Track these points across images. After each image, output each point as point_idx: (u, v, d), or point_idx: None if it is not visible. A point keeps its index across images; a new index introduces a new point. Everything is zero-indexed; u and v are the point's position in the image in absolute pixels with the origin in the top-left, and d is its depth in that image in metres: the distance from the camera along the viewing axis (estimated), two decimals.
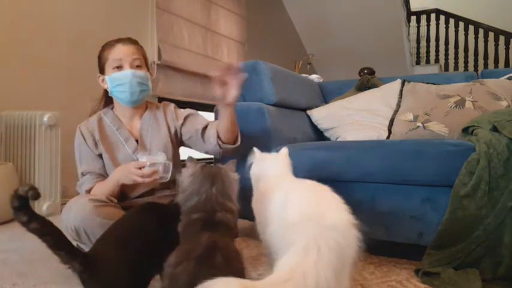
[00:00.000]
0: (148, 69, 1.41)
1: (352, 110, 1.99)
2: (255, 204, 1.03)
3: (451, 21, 5.38)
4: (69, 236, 1.20)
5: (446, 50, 5.41)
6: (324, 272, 0.68)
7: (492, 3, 6.07)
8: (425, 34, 5.53)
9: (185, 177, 0.92)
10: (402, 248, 1.41)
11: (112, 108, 1.44)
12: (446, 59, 5.41)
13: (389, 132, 1.81)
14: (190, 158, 0.98)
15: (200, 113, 1.54)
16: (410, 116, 1.74)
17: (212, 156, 1.61)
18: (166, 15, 3.47)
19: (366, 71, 2.81)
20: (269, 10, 4.98)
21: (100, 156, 1.36)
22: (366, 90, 2.17)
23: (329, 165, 1.42)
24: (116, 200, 1.27)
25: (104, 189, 1.28)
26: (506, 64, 4.97)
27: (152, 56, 3.30)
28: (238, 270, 0.74)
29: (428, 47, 5.50)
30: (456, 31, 5.32)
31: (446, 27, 5.40)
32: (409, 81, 1.98)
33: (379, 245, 1.45)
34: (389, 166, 1.32)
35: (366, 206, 1.38)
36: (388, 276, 1.24)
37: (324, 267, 0.69)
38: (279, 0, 4.74)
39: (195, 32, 3.82)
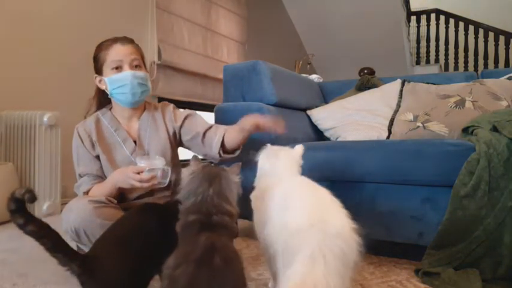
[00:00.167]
0: (146, 68, 1.40)
1: (352, 110, 1.99)
2: (255, 201, 1.03)
3: (451, 21, 5.38)
4: (69, 237, 1.20)
5: (446, 50, 5.41)
6: (333, 280, 0.71)
7: (492, 3, 6.07)
8: (425, 34, 5.53)
9: (186, 175, 0.91)
10: (402, 248, 1.41)
11: (110, 109, 1.42)
12: (446, 59, 5.41)
13: (389, 132, 1.81)
14: (194, 157, 0.97)
15: (200, 113, 1.54)
16: (410, 116, 1.74)
17: None
18: (166, 15, 3.47)
19: (366, 71, 2.81)
20: (269, 10, 4.98)
21: (97, 157, 1.34)
22: (366, 90, 2.17)
23: (329, 165, 1.42)
24: (115, 201, 1.27)
25: (101, 191, 1.27)
26: (506, 64, 4.97)
27: (152, 56, 3.30)
28: (237, 271, 0.74)
29: (428, 47, 5.50)
30: (456, 31, 5.32)
31: (446, 27, 5.40)
32: (409, 81, 1.99)
33: (379, 245, 1.46)
34: (389, 166, 1.32)
35: (366, 206, 1.38)
36: (388, 276, 1.24)
37: (332, 276, 0.71)
38: (279, 0, 4.74)
39: (195, 32, 3.82)
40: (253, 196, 1.04)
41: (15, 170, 2.16)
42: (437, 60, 5.43)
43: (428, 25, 5.54)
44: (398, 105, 1.91)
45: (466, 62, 5.33)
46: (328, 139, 2.03)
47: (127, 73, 1.30)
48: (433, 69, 5.29)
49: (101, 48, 1.34)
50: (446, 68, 5.41)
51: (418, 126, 1.67)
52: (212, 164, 1.06)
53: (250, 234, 1.71)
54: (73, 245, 1.25)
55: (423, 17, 5.61)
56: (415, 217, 1.29)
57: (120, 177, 1.22)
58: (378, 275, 1.25)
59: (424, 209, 1.28)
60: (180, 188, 0.90)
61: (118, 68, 1.31)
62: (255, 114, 1.26)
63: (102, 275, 0.82)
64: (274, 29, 5.03)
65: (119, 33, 1.38)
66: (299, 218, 0.81)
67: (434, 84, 1.90)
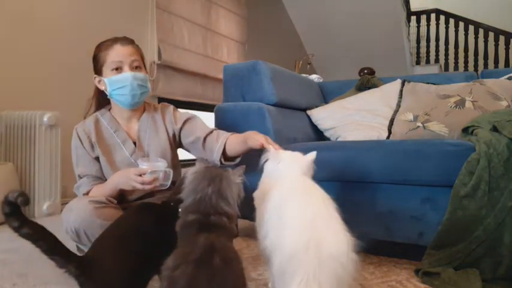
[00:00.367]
0: (146, 69, 1.40)
1: (352, 110, 1.99)
2: (256, 200, 1.03)
3: (451, 21, 5.38)
4: (70, 237, 1.20)
5: (446, 50, 5.41)
6: None
7: (492, 4, 6.07)
8: (425, 34, 5.53)
9: (188, 174, 0.92)
10: (402, 248, 1.41)
11: (109, 110, 1.41)
12: (446, 59, 5.41)
13: (389, 132, 1.81)
14: (201, 159, 0.97)
15: (200, 113, 1.54)
16: (410, 116, 1.74)
17: None
18: (166, 15, 3.47)
19: (366, 71, 2.80)
20: (269, 10, 4.98)
21: (97, 159, 1.34)
22: (366, 90, 2.17)
23: (329, 165, 1.42)
24: (115, 201, 1.27)
25: (102, 192, 1.27)
26: (506, 64, 4.97)
27: (152, 56, 3.30)
28: (237, 271, 0.74)
29: (428, 47, 5.50)
30: (456, 31, 5.32)
31: (446, 27, 5.40)
32: (409, 81, 1.99)
33: (379, 245, 1.46)
34: (389, 166, 1.32)
35: (366, 206, 1.38)
36: (388, 276, 1.24)
37: None
38: (279, 0, 4.74)
39: (195, 32, 3.82)
40: (255, 195, 1.04)
41: (15, 170, 2.16)
42: (437, 60, 5.43)
43: (428, 25, 5.54)
44: (398, 105, 1.91)
45: (466, 62, 5.33)
46: (328, 139, 2.03)
47: (127, 74, 1.30)
48: (433, 69, 5.29)
49: (101, 48, 1.33)
50: (446, 68, 5.41)
51: (418, 126, 1.67)
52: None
53: (251, 234, 1.71)
54: (72, 245, 1.26)
55: (423, 17, 5.61)
56: (415, 217, 1.29)
57: (122, 179, 1.22)
58: (378, 275, 1.25)
59: (424, 209, 1.28)
60: (183, 187, 0.91)
61: (118, 69, 1.30)
62: (262, 135, 1.22)
63: (100, 276, 0.81)
64: (274, 29, 5.03)
65: (119, 33, 1.38)
66: (294, 240, 0.79)
67: (434, 84, 1.90)
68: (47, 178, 2.19)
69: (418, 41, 5.63)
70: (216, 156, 1.37)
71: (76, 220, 1.16)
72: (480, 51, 5.20)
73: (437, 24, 5.48)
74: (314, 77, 2.78)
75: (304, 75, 2.65)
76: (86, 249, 1.15)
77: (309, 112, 2.09)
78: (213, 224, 0.82)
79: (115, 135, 1.36)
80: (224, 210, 0.85)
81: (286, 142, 1.69)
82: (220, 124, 1.68)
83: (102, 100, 1.43)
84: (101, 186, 1.30)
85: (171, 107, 1.49)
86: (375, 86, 2.17)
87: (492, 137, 1.21)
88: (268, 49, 4.87)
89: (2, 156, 2.27)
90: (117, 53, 1.30)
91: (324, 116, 2.03)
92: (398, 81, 2.03)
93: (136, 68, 1.33)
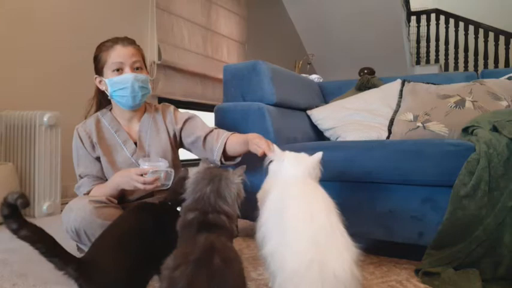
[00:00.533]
0: (147, 69, 1.40)
1: (352, 110, 1.99)
2: (259, 200, 1.02)
3: (451, 21, 5.38)
4: (70, 237, 1.20)
5: (446, 50, 5.41)
6: None
7: (492, 4, 6.07)
8: (425, 34, 5.53)
9: (191, 175, 0.93)
10: (402, 248, 1.41)
11: (110, 110, 1.41)
12: (446, 59, 5.42)
13: (389, 132, 1.81)
14: (205, 159, 0.98)
15: (200, 113, 1.54)
16: (410, 116, 1.74)
17: None
18: (166, 15, 3.47)
19: (366, 71, 2.81)
20: (269, 10, 4.98)
21: (98, 159, 1.34)
22: (366, 90, 2.17)
23: (329, 165, 1.41)
24: (116, 201, 1.27)
25: (102, 192, 1.27)
26: (506, 64, 4.97)
27: (152, 56, 3.30)
28: (237, 271, 0.74)
29: (428, 47, 5.50)
30: (456, 31, 5.32)
31: (446, 27, 5.40)
32: (409, 81, 1.99)
33: (379, 245, 1.46)
34: (389, 166, 1.32)
35: (366, 206, 1.38)
36: (388, 276, 1.24)
37: None
38: (279, 0, 4.74)
39: (195, 32, 3.82)
40: (258, 195, 1.04)
41: (15, 170, 2.16)
42: (437, 60, 5.44)
43: (428, 25, 5.54)
44: (398, 105, 1.91)
45: (466, 62, 5.33)
46: (328, 139, 2.03)
47: (128, 76, 1.29)
48: (433, 69, 5.29)
49: (102, 48, 1.33)
50: (446, 68, 5.42)
51: (418, 126, 1.67)
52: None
53: (251, 234, 1.71)
54: (73, 244, 1.26)
55: (423, 17, 5.61)
56: (415, 217, 1.29)
57: (123, 179, 1.22)
58: (377, 275, 1.25)
59: (424, 209, 1.28)
60: (185, 187, 0.91)
61: (119, 70, 1.30)
62: (264, 141, 1.19)
63: (99, 278, 0.81)
64: (274, 29, 5.03)
65: (119, 33, 1.38)
66: (296, 259, 0.77)
67: (434, 84, 1.90)
68: (47, 178, 2.19)
69: (418, 41, 5.64)
70: (216, 156, 1.37)
71: (76, 220, 1.16)
72: (480, 51, 5.20)
73: (437, 24, 5.48)
74: (314, 77, 2.77)
75: (304, 75, 2.65)
76: (86, 249, 1.15)
77: (309, 112, 2.09)
78: (212, 223, 0.82)
79: (116, 135, 1.36)
80: (223, 209, 0.85)
81: (286, 142, 1.69)
82: (220, 124, 1.68)
83: (103, 100, 1.43)
84: (101, 186, 1.30)
85: (172, 107, 1.48)
86: (374, 86, 2.17)
87: (492, 137, 1.21)
88: (268, 49, 4.87)
89: (2, 156, 2.27)
90: (118, 54, 1.30)
91: (324, 116, 2.03)
92: (398, 81, 2.03)
93: (138, 69, 1.33)
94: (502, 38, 5.02)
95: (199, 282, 0.67)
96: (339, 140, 1.93)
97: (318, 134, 2.07)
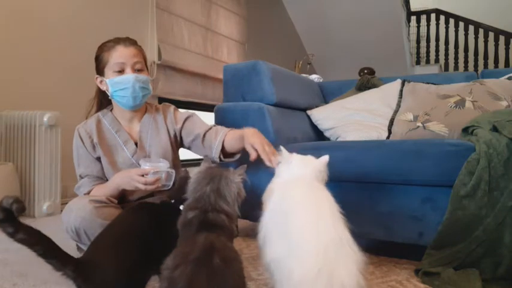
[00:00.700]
0: (148, 70, 1.40)
1: (352, 110, 1.99)
2: (264, 201, 1.02)
3: (451, 21, 5.38)
4: (70, 236, 1.20)
5: (446, 50, 5.41)
6: None
7: (492, 3, 6.07)
8: (425, 34, 5.53)
9: (193, 174, 0.93)
10: (402, 248, 1.41)
11: (111, 110, 1.41)
12: (446, 59, 5.42)
13: (389, 132, 1.81)
14: (206, 158, 0.98)
15: (200, 113, 1.54)
16: (410, 116, 1.74)
17: None
18: (166, 15, 3.47)
19: (366, 71, 2.81)
20: (269, 10, 4.98)
21: (98, 159, 1.34)
22: (366, 90, 2.17)
23: (329, 165, 1.41)
24: (116, 201, 1.27)
25: (103, 192, 1.27)
26: (506, 64, 4.97)
27: (152, 56, 3.30)
28: (237, 271, 0.74)
29: (428, 47, 5.50)
30: (456, 31, 5.32)
31: (446, 27, 5.40)
32: (409, 81, 1.99)
33: (379, 245, 1.46)
34: (389, 166, 1.32)
35: (366, 206, 1.38)
36: (388, 276, 1.24)
37: None
38: (279, 0, 4.74)
39: (195, 32, 3.82)
40: (263, 197, 1.02)
41: (15, 170, 2.16)
42: (437, 60, 5.44)
43: (428, 25, 5.54)
44: (398, 105, 1.91)
45: (466, 62, 5.33)
46: (328, 139, 2.03)
47: (129, 76, 1.29)
48: (433, 69, 5.29)
49: (104, 49, 1.33)
50: (446, 68, 5.42)
51: (418, 126, 1.67)
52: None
53: (250, 234, 1.71)
54: (73, 244, 1.26)
55: (423, 17, 5.61)
56: (415, 217, 1.29)
57: (124, 179, 1.22)
58: (378, 275, 1.25)
59: (424, 209, 1.28)
60: (187, 186, 0.92)
61: (120, 71, 1.30)
62: (259, 139, 1.17)
63: (97, 278, 0.81)
64: (274, 29, 5.03)
65: (119, 33, 1.38)
66: (304, 267, 0.76)
67: (434, 84, 1.90)
68: (47, 178, 2.19)
69: (418, 41, 5.64)
70: (214, 154, 1.37)
71: (76, 220, 1.16)
72: (480, 51, 5.20)
73: (437, 24, 5.48)
74: (314, 77, 2.77)
75: (304, 75, 2.65)
76: (86, 249, 1.15)
77: (309, 112, 2.09)
78: (212, 222, 0.82)
79: (117, 135, 1.36)
80: (222, 208, 0.85)
81: (286, 142, 1.69)
82: (220, 124, 1.68)
83: (103, 100, 1.43)
84: (102, 187, 1.30)
85: (172, 107, 1.48)
86: (374, 86, 2.17)
87: (492, 137, 1.21)
88: (268, 49, 4.87)
89: (2, 156, 2.27)
90: (120, 55, 1.30)
91: (324, 116, 2.03)
92: (398, 81, 2.03)
93: (139, 70, 1.32)
94: (502, 38, 5.02)
95: (199, 282, 0.67)
96: (339, 140, 1.93)
97: (318, 134, 2.07)
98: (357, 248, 0.80)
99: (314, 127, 2.08)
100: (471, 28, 5.25)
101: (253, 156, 1.16)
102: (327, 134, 2.04)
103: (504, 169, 1.15)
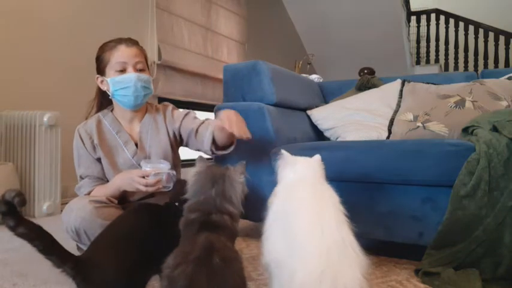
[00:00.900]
0: (149, 71, 1.40)
1: (352, 110, 1.99)
2: (270, 203, 1.01)
3: (451, 21, 5.38)
4: (70, 236, 1.20)
5: (446, 50, 5.41)
6: None
7: (492, 3, 6.08)
8: (425, 34, 5.53)
9: (191, 175, 0.92)
10: (402, 248, 1.41)
11: (112, 110, 1.41)
12: (446, 59, 5.42)
13: (389, 132, 1.81)
14: (200, 158, 0.96)
15: (200, 113, 1.53)
16: (410, 116, 1.74)
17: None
18: (166, 15, 3.47)
19: (366, 71, 2.81)
20: (269, 10, 4.98)
21: (99, 160, 1.34)
22: (366, 90, 2.17)
23: (329, 165, 1.41)
24: (116, 201, 1.27)
25: (103, 193, 1.26)
26: (506, 64, 4.97)
27: (152, 56, 3.30)
28: (237, 271, 0.74)
29: (428, 47, 5.50)
30: (456, 31, 5.32)
31: (446, 27, 5.40)
32: (409, 81, 1.99)
33: (379, 245, 1.46)
34: (389, 166, 1.32)
35: (365, 206, 1.38)
36: (388, 276, 1.24)
37: None
38: (279, 0, 4.74)
39: (195, 32, 3.82)
40: (269, 201, 1.01)
41: (15, 170, 2.16)
42: (437, 60, 5.44)
43: (428, 25, 5.54)
44: (398, 105, 1.91)
45: (466, 62, 5.33)
46: (328, 139, 2.03)
47: (131, 75, 1.29)
48: (433, 69, 5.29)
49: (105, 48, 1.32)
50: (446, 68, 5.42)
51: (418, 126, 1.67)
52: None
53: (251, 234, 1.71)
54: (73, 244, 1.26)
55: (423, 17, 5.61)
56: (415, 217, 1.29)
57: (125, 181, 1.22)
58: (378, 275, 1.25)
59: (424, 209, 1.28)
60: (186, 188, 0.91)
61: (122, 71, 1.30)
62: (226, 114, 1.20)
63: (95, 278, 0.81)
64: (274, 29, 5.03)
65: (119, 33, 1.38)
66: (307, 269, 0.75)
67: (434, 84, 1.90)
68: (47, 178, 2.19)
69: (418, 41, 5.64)
70: (206, 146, 1.35)
71: (76, 220, 1.16)
72: (480, 51, 5.20)
73: (437, 24, 5.48)
74: (314, 77, 2.78)
75: (304, 75, 2.65)
76: (86, 249, 1.15)
77: (309, 112, 2.09)
78: (215, 223, 0.82)
79: (117, 136, 1.36)
80: (228, 210, 0.85)
81: (287, 142, 1.69)
82: None
83: (104, 101, 1.43)
84: (102, 187, 1.30)
85: (171, 106, 1.48)
86: (374, 86, 2.17)
87: (492, 137, 1.21)
88: (268, 49, 4.87)
89: (2, 156, 2.27)
90: (122, 54, 1.29)
91: (324, 116, 2.03)
92: (398, 81, 2.03)
93: (140, 70, 1.32)
94: (502, 38, 5.02)
95: (199, 282, 0.67)
96: (339, 140, 1.93)
97: (318, 134, 2.07)
98: (360, 250, 0.80)
99: (314, 127, 2.08)
100: (471, 28, 5.25)
101: (219, 127, 1.17)
102: (327, 134, 2.04)
103: (504, 169, 1.15)
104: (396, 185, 1.33)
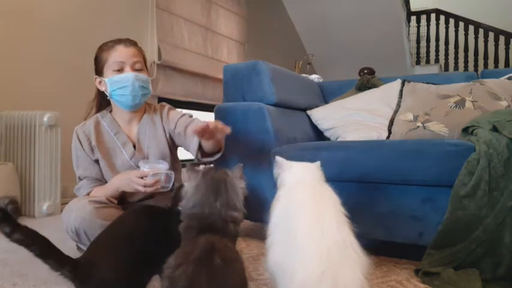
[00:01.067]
0: (148, 71, 1.39)
1: (352, 110, 1.99)
2: (272, 207, 1.01)
3: (451, 21, 5.38)
4: (70, 237, 1.20)
5: (446, 50, 5.41)
6: None
7: (492, 3, 6.07)
8: (425, 34, 5.53)
9: (188, 188, 0.88)
10: (402, 248, 1.41)
11: (110, 111, 1.41)
12: (446, 59, 5.41)
13: (389, 132, 1.81)
14: (190, 168, 0.92)
15: (200, 113, 1.53)
16: (410, 116, 1.74)
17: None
18: (166, 15, 3.47)
19: (366, 71, 2.81)
20: (269, 10, 4.98)
21: (97, 161, 1.34)
22: (366, 90, 2.17)
23: (329, 165, 1.41)
24: (116, 202, 1.27)
25: (102, 194, 1.26)
26: (506, 64, 4.97)
27: (152, 56, 3.30)
28: (237, 271, 0.74)
29: (428, 47, 5.50)
30: (456, 31, 5.32)
31: (446, 27, 5.40)
32: (409, 81, 1.99)
33: (379, 245, 1.46)
34: (389, 166, 1.32)
35: (365, 206, 1.38)
36: (388, 276, 1.24)
37: None
38: (279, 0, 4.74)
39: (195, 32, 3.82)
40: (271, 205, 0.99)
41: (15, 170, 2.16)
42: (437, 60, 5.44)
43: (428, 25, 5.54)
44: (398, 105, 1.91)
45: (466, 62, 5.33)
46: (328, 139, 2.03)
47: (129, 75, 1.29)
48: (433, 69, 5.29)
49: (103, 48, 1.32)
50: (446, 68, 5.42)
51: (418, 126, 1.67)
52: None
53: (251, 234, 1.71)
54: (73, 244, 1.26)
55: (423, 17, 5.61)
56: (415, 217, 1.29)
57: (123, 181, 1.22)
58: (378, 275, 1.25)
59: (424, 209, 1.28)
60: (182, 197, 0.88)
61: (119, 70, 1.29)
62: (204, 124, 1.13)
63: (94, 279, 0.81)
64: (274, 29, 5.03)
65: (119, 34, 1.38)
66: (307, 270, 0.75)
67: (434, 84, 1.90)
68: (47, 178, 2.19)
69: (418, 41, 5.64)
70: (192, 152, 1.34)
71: (76, 220, 1.16)
72: (480, 51, 5.20)
73: (437, 24, 5.48)
74: (314, 77, 2.78)
75: (304, 75, 2.65)
76: (85, 249, 1.15)
77: (309, 112, 2.09)
78: (216, 227, 0.82)
79: (115, 138, 1.35)
80: (233, 217, 0.84)
81: (286, 142, 1.69)
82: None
83: (103, 102, 1.42)
84: (101, 188, 1.30)
85: (167, 107, 1.47)
86: (374, 86, 2.17)
87: (492, 137, 1.21)
88: (268, 49, 4.87)
89: (2, 156, 2.27)
90: (120, 54, 1.29)
91: (324, 116, 2.03)
92: (398, 81, 2.03)
93: (138, 70, 1.32)
94: (502, 38, 5.02)
95: (200, 282, 0.67)
96: (339, 140, 1.93)
97: (318, 134, 2.07)
98: (361, 251, 0.80)
99: (314, 127, 2.08)
100: (471, 28, 5.25)
101: (196, 131, 1.11)
102: (327, 134, 2.04)
103: (504, 169, 1.15)
104: (396, 185, 1.33)
